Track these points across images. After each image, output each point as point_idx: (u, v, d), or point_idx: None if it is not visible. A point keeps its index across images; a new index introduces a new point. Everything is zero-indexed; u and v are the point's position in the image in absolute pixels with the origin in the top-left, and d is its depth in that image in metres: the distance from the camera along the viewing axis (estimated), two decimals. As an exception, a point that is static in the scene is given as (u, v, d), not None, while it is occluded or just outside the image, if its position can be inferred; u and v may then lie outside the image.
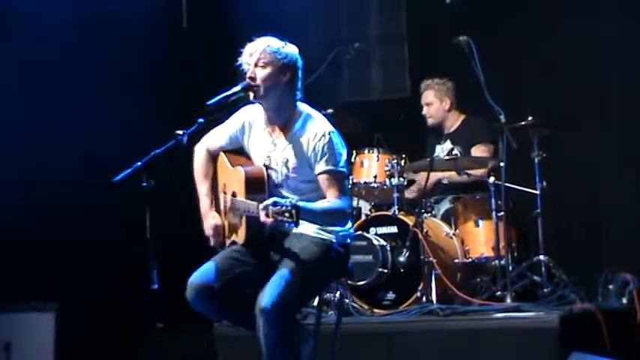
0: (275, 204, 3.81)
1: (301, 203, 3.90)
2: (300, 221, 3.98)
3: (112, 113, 6.40)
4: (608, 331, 5.05)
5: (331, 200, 4.09)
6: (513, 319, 5.23)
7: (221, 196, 4.34)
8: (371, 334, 5.38)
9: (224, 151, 4.37)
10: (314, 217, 4.07)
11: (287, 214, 3.78)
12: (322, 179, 4.12)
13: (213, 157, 4.40)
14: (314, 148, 4.11)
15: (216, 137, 4.39)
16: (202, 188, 4.35)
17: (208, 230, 4.28)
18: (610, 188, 6.60)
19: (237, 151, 4.35)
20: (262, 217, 3.85)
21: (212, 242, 4.28)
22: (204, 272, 4.14)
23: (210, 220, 4.28)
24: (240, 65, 4.19)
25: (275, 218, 3.80)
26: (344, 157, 4.18)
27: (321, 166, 4.11)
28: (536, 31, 6.79)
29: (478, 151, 6.40)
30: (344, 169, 4.17)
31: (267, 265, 4.13)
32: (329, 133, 4.13)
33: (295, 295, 4.01)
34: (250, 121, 4.30)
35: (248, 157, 4.32)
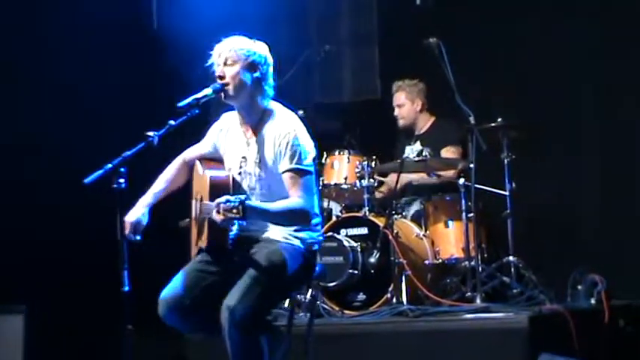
0: (226, 201, 3.80)
1: (256, 203, 3.93)
2: (270, 225, 4.06)
3: (83, 113, 6.37)
4: (576, 332, 5.09)
5: (291, 200, 4.04)
6: (483, 319, 5.25)
7: (193, 202, 4.33)
8: (341, 335, 5.39)
9: (201, 159, 4.34)
10: (272, 217, 4.05)
11: (235, 211, 3.76)
12: (285, 178, 4.08)
13: (188, 166, 4.39)
14: (279, 146, 4.09)
15: (197, 146, 4.39)
16: (155, 186, 4.33)
17: (128, 218, 4.19)
18: (579, 189, 6.65)
19: (214, 159, 4.33)
20: (214, 215, 3.83)
21: (126, 230, 4.17)
22: (173, 288, 4.13)
23: (136, 212, 4.22)
24: (211, 66, 4.19)
25: (225, 216, 3.78)
26: (310, 155, 4.13)
27: (284, 165, 4.08)
28: (506, 33, 6.83)
29: (447, 152, 6.44)
30: (308, 168, 4.10)
31: (235, 271, 4.10)
32: (294, 131, 4.10)
33: (261, 297, 3.99)
34: (227, 126, 4.29)
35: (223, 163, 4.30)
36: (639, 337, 5.66)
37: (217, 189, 4.11)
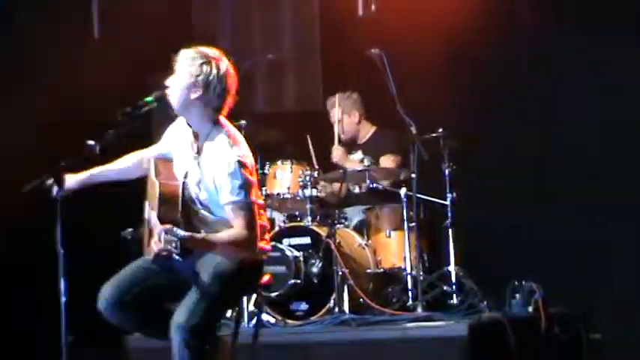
0: (167, 232, 3.74)
1: (201, 235, 3.91)
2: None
3: (23, 120, 6.30)
4: (514, 339, 5.16)
5: (236, 232, 4.00)
6: (424, 328, 5.29)
7: (145, 204, 4.28)
8: (284, 345, 5.39)
9: (157, 160, 4.23)
10: (216, 250, 4.00)
11: (174, 245, 3.71)
12: (227, 210, 4.03)
13: (144, 165, 4.30)
14: (220, 176, 4.00)
15: (157, 146, 4.31)
16: (102, 167, 4.28)
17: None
18: (518, 199, 6.74)
19: (169, 161, 4.26)
20: (153, 242, 3.80)
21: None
22: (116, 283, 4.08)
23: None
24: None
25: (164, 247, 3.73)
26: (251, 185, 4.04)
27: (226, 197, 4.01)
28: (448, 43, 6.89)
29: (387, 160, 6.45)
30: (249, 200, 4.01)
31: (182, 276, 4.08)
32: (235, 163, 4.00)
33: (209, 311, 3.98)
34: (182, 132, 4.21)
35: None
36: (574, 345, 5.76)
37: (165, 200, 4.04)
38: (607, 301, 6.31)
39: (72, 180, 4.19)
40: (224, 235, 4.01)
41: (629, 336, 6.32)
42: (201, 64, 4.04)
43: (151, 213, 4.15)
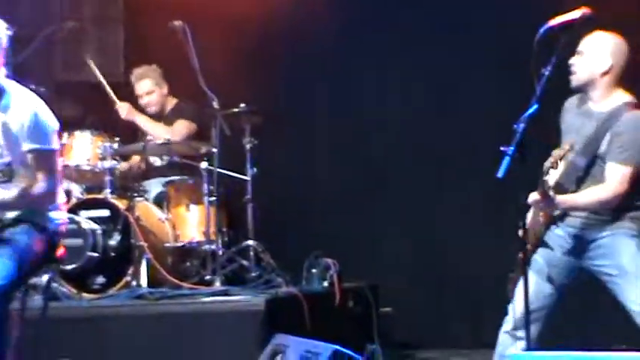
0: None
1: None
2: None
3: None
4: (309, 313, 5.30)
5: (39, 183, 4.01)
6: (222, 302, 5.35)
7: None
8: (79, 318, 5.31)
9: None
10: (9, 205, 3.99)
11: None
12: (30, 158, 4.03)
13: None
14: (22, 126, 4.01)
15: None
16: None
17: None
18: (318, 176, 6.89)
19: None
20: None
21: None
22: None
23: None
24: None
25: None
26: (53, 134, 4.10)
27: (28, 145, 4.02)
28: (252, 18, 6.92)
29: (180, 126, 6.39)
30: (53, 148, 4.08)
31: None
32: (35, 109, 4.04)
33: (11, 278, 3.94)
34: None
35: None
36: (365, 317, 5.98)
37: None
38: (398, 276, 6.57)
39: None
40: (17, 190, 3.98)
41: (418, 309, 6.60)
42: None
43: None
